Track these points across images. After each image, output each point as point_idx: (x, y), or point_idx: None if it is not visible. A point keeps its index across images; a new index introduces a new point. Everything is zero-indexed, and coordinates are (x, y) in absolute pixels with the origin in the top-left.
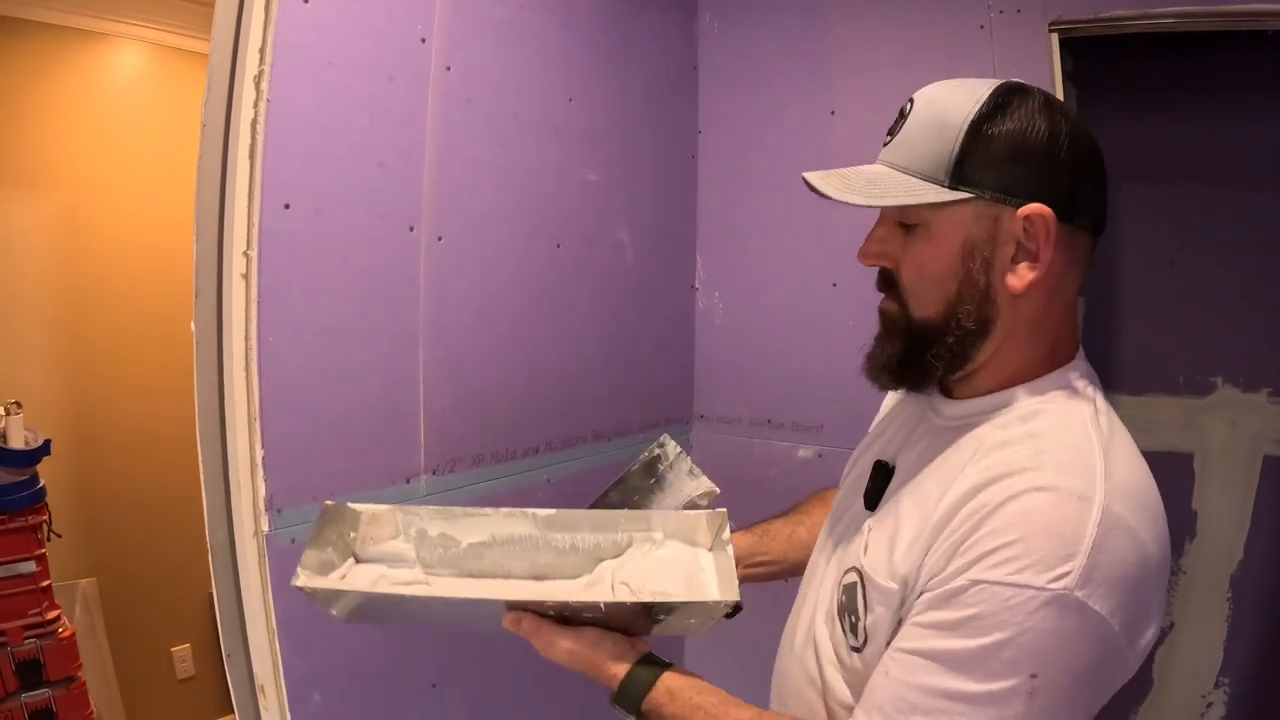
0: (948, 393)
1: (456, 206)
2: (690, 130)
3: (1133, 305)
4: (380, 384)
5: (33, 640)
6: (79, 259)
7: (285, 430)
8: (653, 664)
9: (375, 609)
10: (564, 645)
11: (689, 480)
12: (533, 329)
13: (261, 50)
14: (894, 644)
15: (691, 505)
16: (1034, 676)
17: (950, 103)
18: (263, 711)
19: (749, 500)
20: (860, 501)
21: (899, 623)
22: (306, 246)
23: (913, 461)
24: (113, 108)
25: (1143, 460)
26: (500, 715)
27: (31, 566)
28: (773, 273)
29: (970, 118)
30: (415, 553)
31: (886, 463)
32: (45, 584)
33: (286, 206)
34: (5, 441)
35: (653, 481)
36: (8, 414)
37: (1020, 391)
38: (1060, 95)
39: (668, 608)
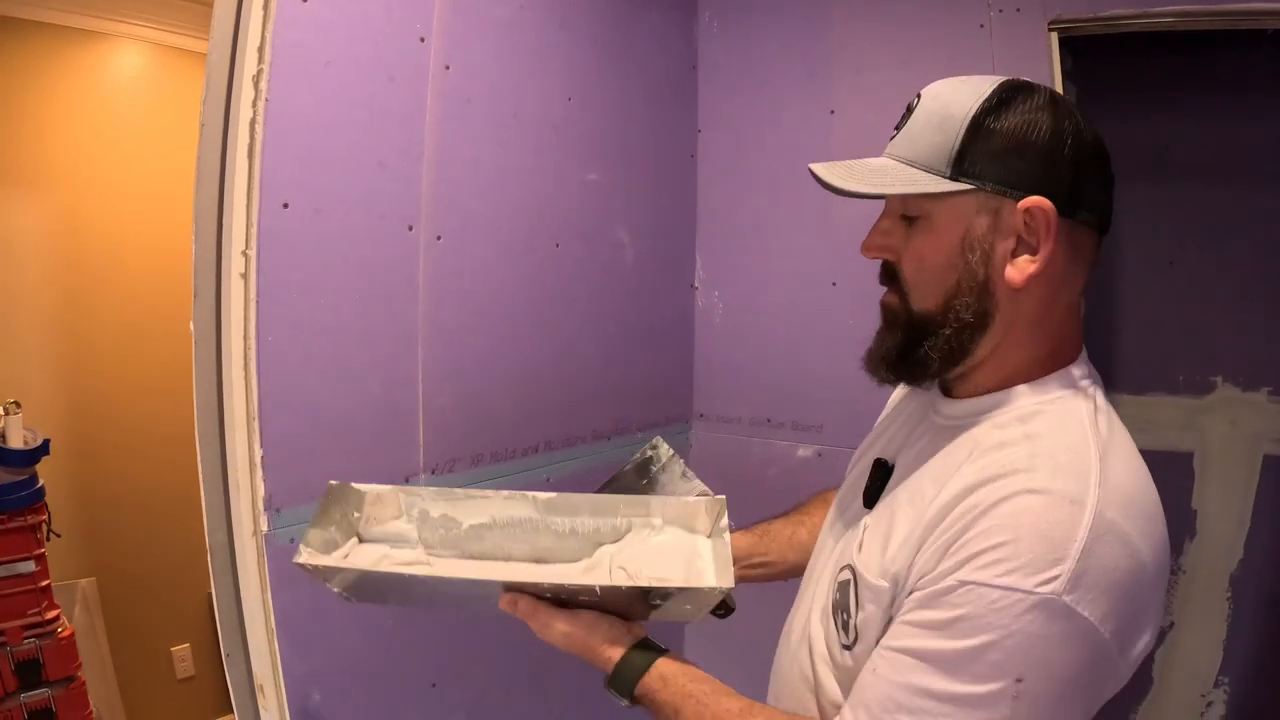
0: (948, 392)
1: (456, 206)
2: (690, 130)
3: (1132, 305)
4: (379, 383)
5: (32, 640)
6: (78, 258)
7: (284, 430)
8: (648, 649)
9: (375, 587)
10: (560, 627)
11: (682, 483)
12: (532, 328)
13: (260, 49)
14: (883, 642)
15: None
16: (1019, 680)
17: (954, 97)
18: (262, 711)
19: (749, 499)
20: (860, 500)
21: (889, 621)
22: (305, 246)
23: (911, 460)
24: (112, 107)
25: (1143, 465)
26: (500, 715)
27: (31, 566)
28: (772, 272)
29: (973, 112)
30: (417, 533)
31: (886, 461)
32: (44, 584)
33: (285, 206)
34: (4, 441)
35: (645, 483)
36: (7, 414)
37: (1020, 391)
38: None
39: (664, 593)
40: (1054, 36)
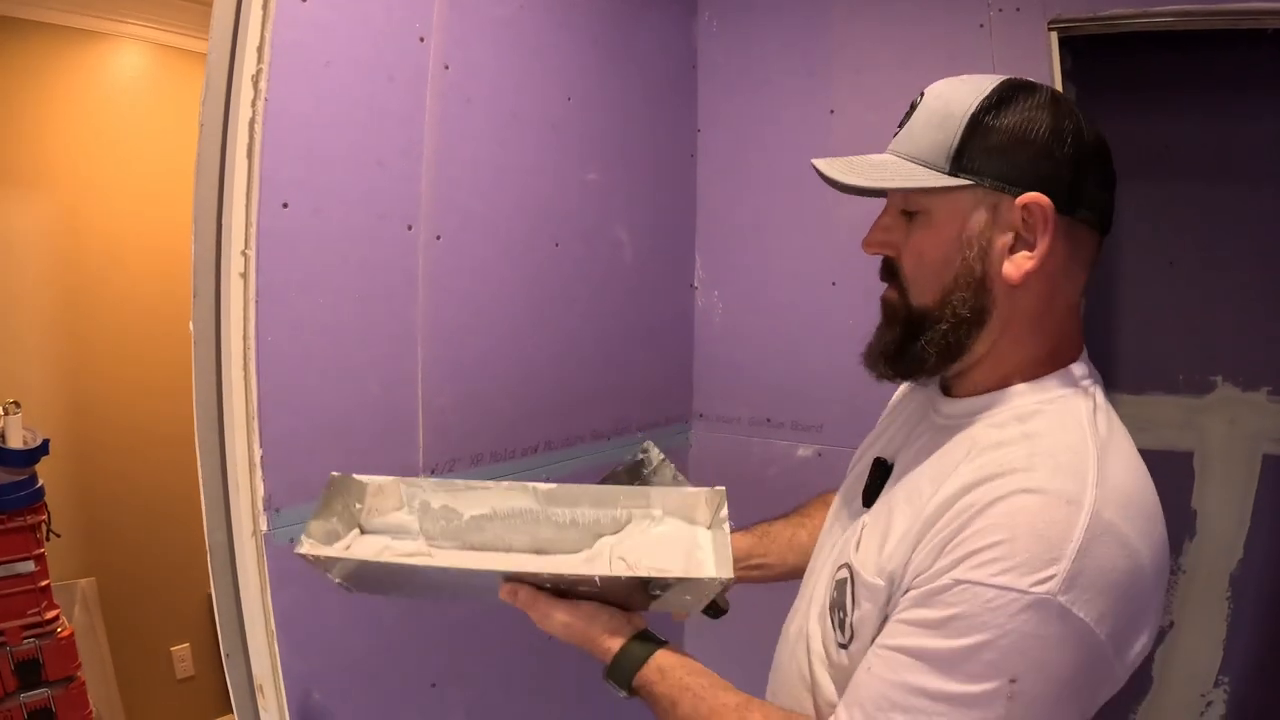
0: (947, 391)
1: (455, 206)
2: (689, 129)
3: (1132, 304)
4: (379, 383)
5: (32, 640)
6: (78, 258)
7: (283, 430)
8: (648, 640)
9: (376, 578)
10: (560, 617)
11: (673, 486)
12: (531, 328)
13: (259, 49)
14: (878, 640)
15: None
16: (1014, 681)
17: (955, 95)
18: (261, 711)
19: (748, 499)
20: (859, 499)
21: (885, 619)
22: (305, 245)
23: (910, 459)
24: (112, 107)
25: (1142, 466)
26: (499, 715)
27: (30, 566)
28: (772, 272)
29: (972, 108)
30: (418, 525)
31: (886, 460)
32: (44, 584)
33: (285, 206)
34: (4, 441)
35: (637, 484)
36: (6, 413)
37: (1019, 390)
38: None
39: (663, 583)
40: (1054, 36)
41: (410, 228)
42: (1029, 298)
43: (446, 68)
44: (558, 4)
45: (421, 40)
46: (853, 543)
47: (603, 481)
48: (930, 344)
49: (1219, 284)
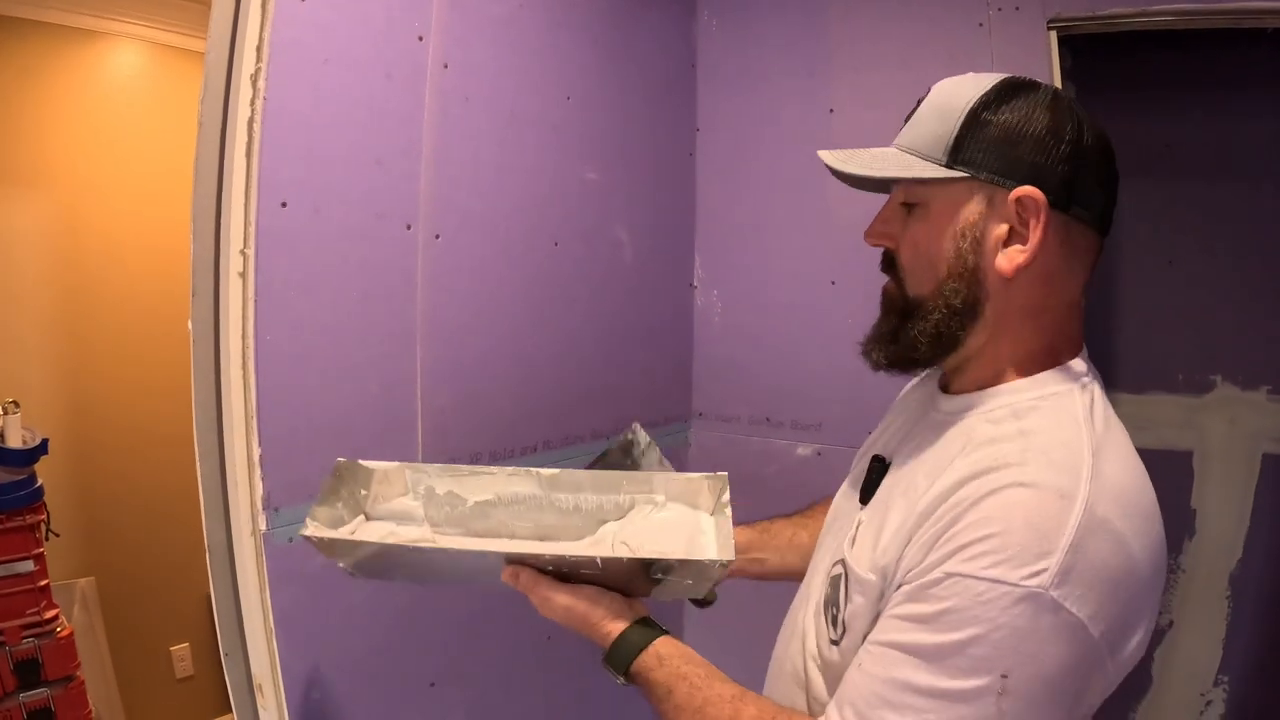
0: (946, 388)
1: (454, 205)
2: (689, 128)
3: (1132, 303)
4: (378, 382)
5: (31, 640)
6: (77, 258)
7: (282, 429)
8: (649, 627)
9: (380, 562)
10: (561, 601)
11: (658, 469)
12: (531, 327)
13: (258, 48)
14: (870, 637)
15: None
16: (1005, 676)
17: (958, 90)
18: (261, 711)
19: (748, 498)
20: (857, 496)
21: (877, 615)
22: (303, 245)
23: (907, 455)
24: (111, 107)
25: (1139, 464)
26: (499, 714)
27: (29, 566)
28: (771, 271)
29: (971, 103)
30: (423, 511)
31: (884, 457)
32: (43, 583)
33: (284, 205)
34: (3, 441)
35: (629, 463)
36: (5, 413)
37: (1015, 386)
38: None
39: (664, 566)
40: (1053, 35)
41: (409, 227)
42: (1023, 293)
43: (445, 67)
44: (557, 3)
45: (420, 39)
46: (848, 539)
47: (598, 459)
48: (922, 333)
49: (1219, 283)
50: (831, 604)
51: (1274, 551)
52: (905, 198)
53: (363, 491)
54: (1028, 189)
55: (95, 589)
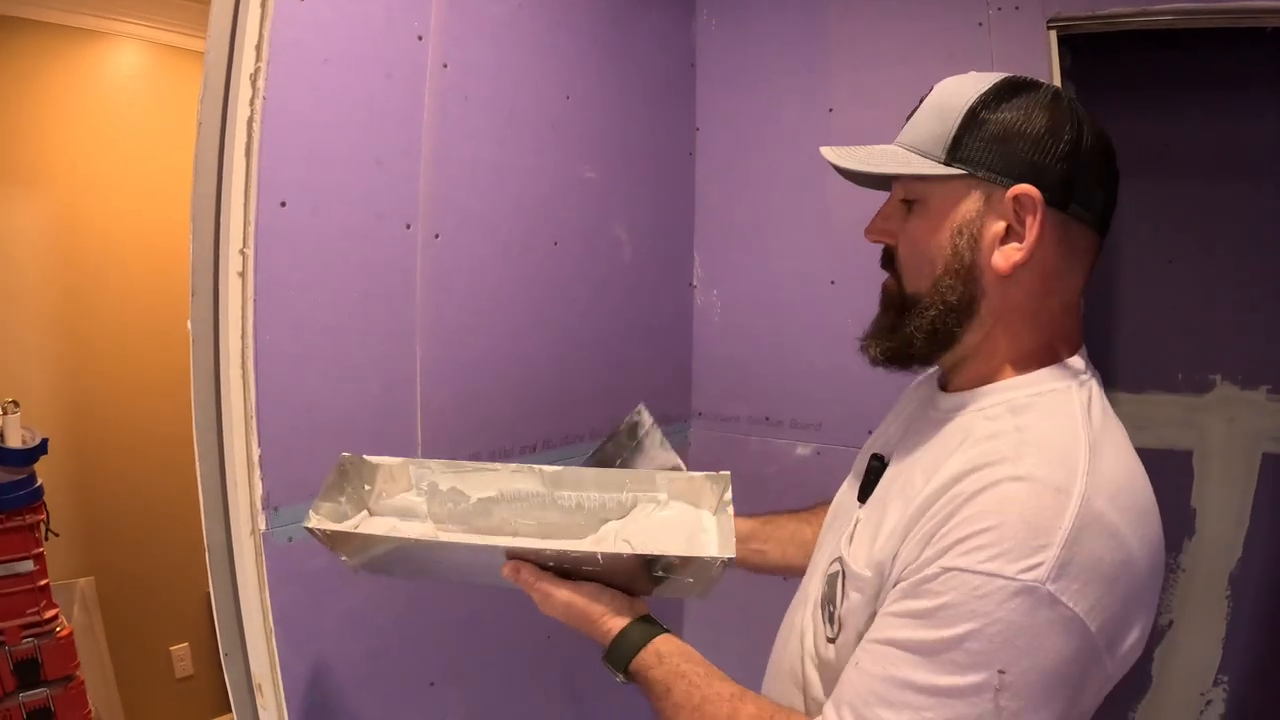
0: (944, 387)
1: (454, 204)
2: (688, 128)
3: (1131, 303)
4: (377, 382)
5: (30, 639)
6: (77, 257)
7: (282, 428)
8: (649, 624)
9: (381, 556)
10: (561, 596)
11: (660, 451)
12: (530, 327)
13: (258, 47)
14: (866, 635)
15: None
16: (1002, 673)
17: (958, 89)
18: (260, 710)
19: (747, 497)
20: (855, 495)
21: (873, 612)
22: (303, 244)
23: (905, 453)
24: (110, 106)
25: (1137, 462)
26: (498, 714)
27: (29, 565)
28: (771, 270)
29: (971, 101)
30: (426, 507)
31: (882, 456)
32: (43, 583)
33: (283, 204)
34: (2, 440)
35: (634, 444)
36: (5, 413)
37: (1012, 383)
38: None
39: (666, 564)
40: (1053, 34)
41: (409, 226)
42: (1020, 291)
43: (445, 66)
44: (556, 3)
45: (420, 39)
46: (846, 536)
47: (610, 434)
48: (918, 329)
49: (1218, 282)
50: (828, 601)
51: (1274, 551)
52: (905, 195)
53: (366, 487)
54: (1024, 187)
55: (95, 589)
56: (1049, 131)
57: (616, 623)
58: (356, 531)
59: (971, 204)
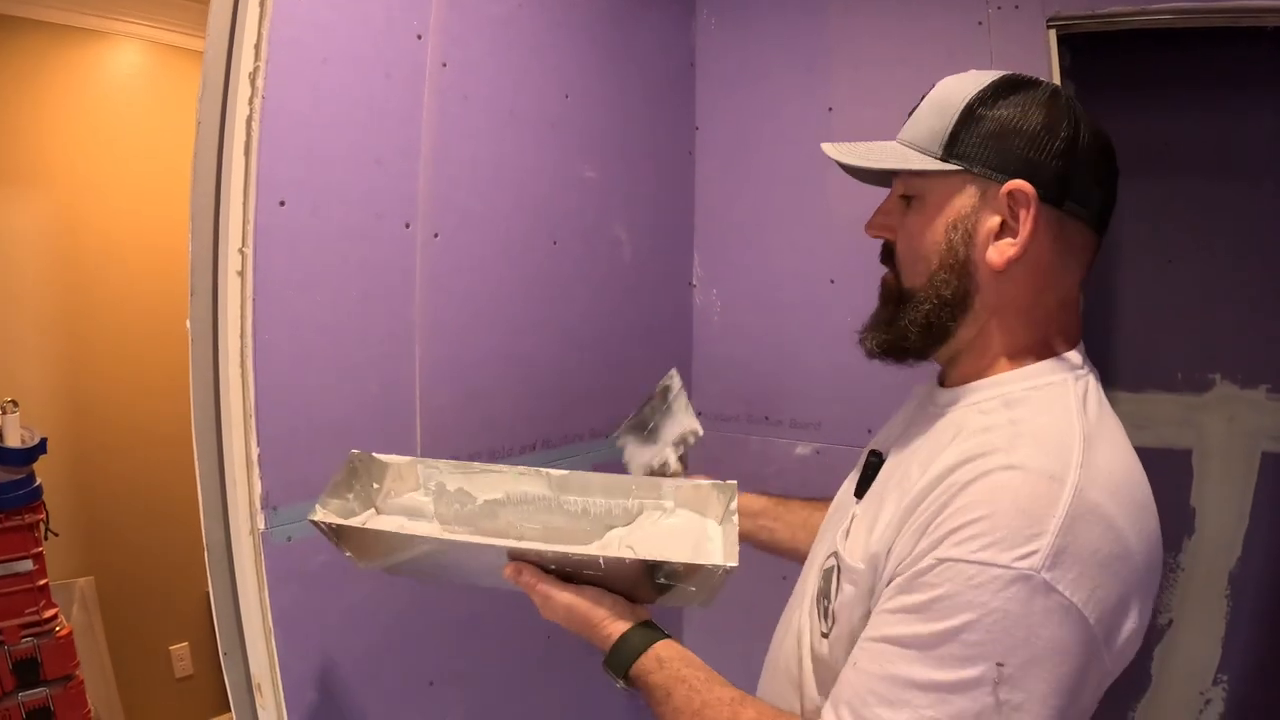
0: (942, 382)
1: (453, 204)
2: (688, 127)
3: (1131, 302)
4: (376, 381)
5: (30, 639)
6: (76, 257)
7: (281, 428)
8: (650, 629)
9: (384, 554)
10: (563, 600)
11: (685, 415)
12: (530, 326)
13: (257, 47)
14: (863, 634)
15: (682, 440)
16: (1001, 665)
17: (957, 86)
18: (259, 710)
19: None
20: (853, 491)
21: (867, 610)
22: (302, 244)
23: (902, 448)
24: (110, 105)
25: (1133, 454)
26: (497, 714)
27: (28, 565)
28: (770, 269)
29: (968, 98)
30: (433, 507)
31: (880, 452)
32: (42, 582)
33: (282, 204)
34: (1, 440)
35: (665, 406)
36: (4, 412)
37: (1008, 378)
38: None
39: (668, 571)
40: (1053, 33)
41: (408, 226)
42: (1015, 287)
43: (444, 65)
44: (556, 2)
45: (419, 38)
46: (842, 531)
47: (643, 405)
48: (913, 322)
49: (1218, 281)
50: (823, 596)
51: (1273, 550)
52: (904, 190)
53: (375, 485)
54: (1019, 182)
55: (94, 588)
56: (1045, 128)
57: (618, 627)
58: (363, 527)
59: (967, 199)
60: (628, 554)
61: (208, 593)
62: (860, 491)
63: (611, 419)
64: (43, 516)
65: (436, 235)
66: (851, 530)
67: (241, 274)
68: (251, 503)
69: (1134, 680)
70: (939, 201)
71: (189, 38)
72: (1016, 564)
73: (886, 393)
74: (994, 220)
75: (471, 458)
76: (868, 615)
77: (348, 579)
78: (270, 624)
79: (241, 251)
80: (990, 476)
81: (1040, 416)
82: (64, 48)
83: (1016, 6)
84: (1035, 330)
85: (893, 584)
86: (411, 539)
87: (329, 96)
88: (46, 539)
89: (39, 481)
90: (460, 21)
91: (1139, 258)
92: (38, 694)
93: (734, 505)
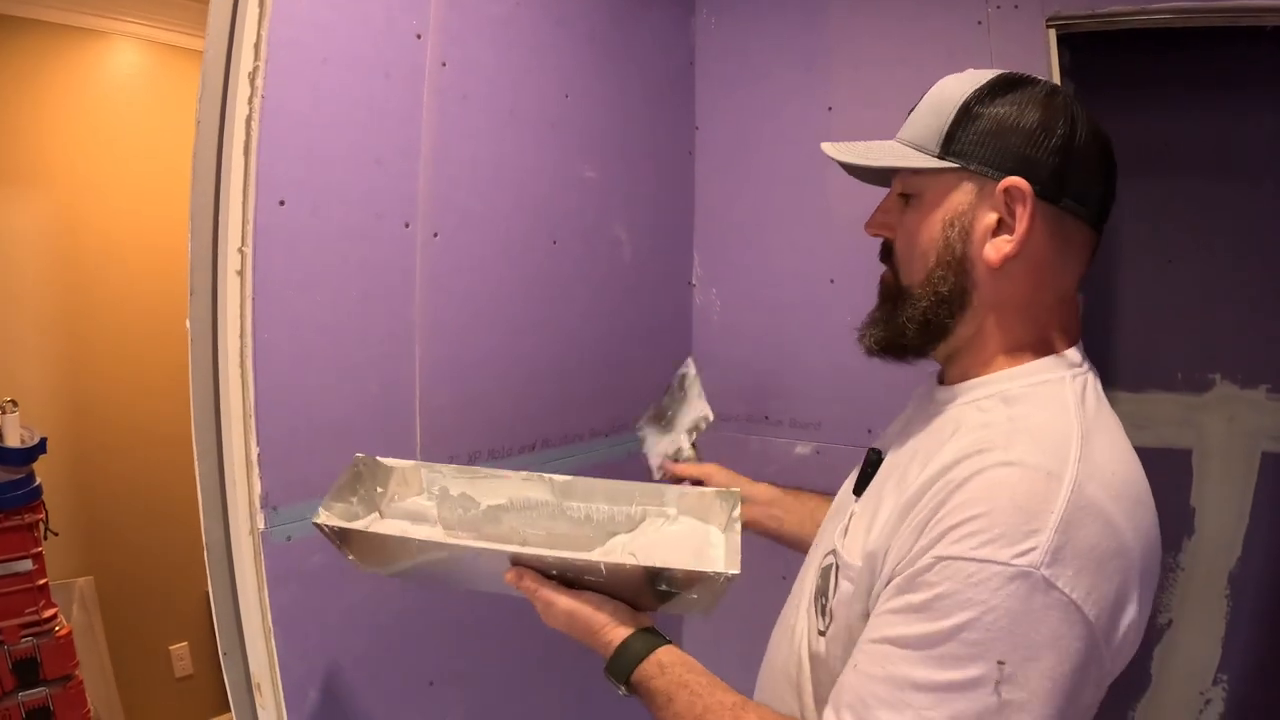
0: (941, 380)
1: (453, 203)
2: (687, 126)
3: (1131, 302)
4: (376, 381)
5: (30, 639)
6: (76, 257)
7: (281, 428)
8: (651, 635)
9: (386, 556)
10: (564, 605)
11: (698, 401)
12: (529, 326)
13: (256, 46)
14: (863, 636)
15: (694, 426)
16: (1001, 664)
17: (955, 85)
18: (259, 710)
19: None
20: (852, 490)
21: (864, 604)
22: (302, 243)
23: (900, 447)
24: (109, 105)
25: (1132, 453)
26: (497, 714)
27: (28, 565)
28: (770, 269)
29: (965, 96)
30: (436, 511)
31: (879, 451)
32: (42, 582)
33: (281, 203)
34: (1, 440)
35: (682, 394)
36: (3, 412)
37: (1006, 375)
38: None
39: (670, 578)
40: (1052, 33)
41: (407, 226)
42: (1012, 284)
43: (444, 65)
44: (555, 1)
45: (419, 37)
46: (840, 529)
47: (663, 395)
48: (910, 320)
49: (1218, 281)
50: (821, 594)
51: (1273, 550)
52: (903, 189)
53: (379, 489)
54: (1015, 179)
55: (94, 588)
56: (1041, 126)
57: (619, 633)
58: (366, 531)
59: (963, 196)
60: (630, 560)
61: (207, 592)
62: (859, 489)
63: (611, 419)
64: (42, 516)
65: (436, 235)
66: (850, 528)
67: (241, 274)
68: (251, 502)
69: (1134, 680)
70: (936, 199)
71: (189, 37)
72: (1015, 561)
73: (887, 392)
74: (991, 217)
75: (471, 457)
76: (865, 613)
77: (347, 579)
78: (270, 624)
79: (241, 251)
80: (988, 473)
81: (1038, 413)
82: (64, 48)
83: (1016, 6)
84: (1033, 327)
85: (892, 584)
86: (414, 543)
87: (328, 96)
88: (46, 539)
89: (39, 481)
90: (460, 21)
91: (1139, 258)
92: (37, 694)
93: (737, 513)
